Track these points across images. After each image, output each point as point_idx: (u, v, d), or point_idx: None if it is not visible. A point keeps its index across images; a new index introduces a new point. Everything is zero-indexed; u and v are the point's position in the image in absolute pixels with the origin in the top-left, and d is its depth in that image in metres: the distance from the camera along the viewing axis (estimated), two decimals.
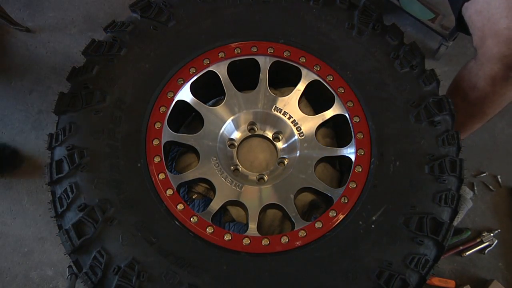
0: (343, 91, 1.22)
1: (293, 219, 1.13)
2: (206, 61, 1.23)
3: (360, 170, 1.14)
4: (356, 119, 1.19)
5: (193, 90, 1.23)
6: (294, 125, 1.25)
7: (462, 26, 1.27)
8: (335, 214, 1.09)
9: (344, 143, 1.23)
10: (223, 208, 1.20)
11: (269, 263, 1.03)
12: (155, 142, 1.15)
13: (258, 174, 1.26)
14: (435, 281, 1.54)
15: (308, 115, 1.27)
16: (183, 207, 1.09)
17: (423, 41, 1.96)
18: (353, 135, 1.18)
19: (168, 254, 1.01)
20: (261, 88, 1.27)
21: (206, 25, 1.25)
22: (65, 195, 1.05)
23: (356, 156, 1.16)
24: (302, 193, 1.21)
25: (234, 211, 1.23)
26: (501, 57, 1.12)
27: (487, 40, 1.14)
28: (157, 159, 1.13)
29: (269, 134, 1.30)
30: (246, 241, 1.06)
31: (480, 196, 1.71)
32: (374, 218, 1.07)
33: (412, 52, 1.23)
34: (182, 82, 1.21)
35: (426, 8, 1.81)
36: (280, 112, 1.27)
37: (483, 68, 1.19)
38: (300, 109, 1.27)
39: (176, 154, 1.40)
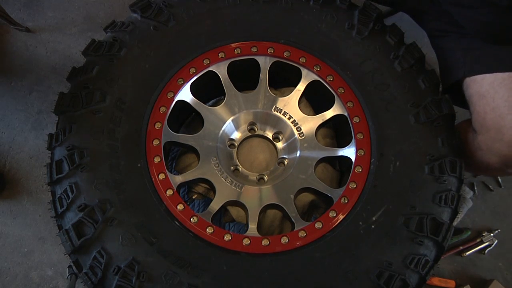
0: (343, 91, 1.22)
1: (293, 220, 1.13)
2: (206, 61, 1.23)
3: (360, 170, 1.14)
4: (356, 119, 1.19)
5: (193, 90, 1.23)
6: (294, 125, 1.25)
7: (451, 96, 1.20)
8: (335, 215, 1.09)
9: (344, 143, 1.23)
10: (223, 208, 1.20)
11: (269, 263, 1.03)
12: (155, 142, 1.15)
13: (258, 174, 1.26)
14: (435, 281, 1.54)
15: (308, 115, 1.27)
16: (183, 207, 1.09)
17: None
18: (353, 135, 1.18)
19: (168, 254, 1.01)
20: (261, 88, 1.27)
21: (206, 25, 1.25)
22: (65, 195, 1.05)
23: (356, 156, 1.16)
24: (302, 193, 1.21)
25: (234, 211, 1.23)
26: (500, 155, 1.07)
27: (489, 132, 1.07)
28: (157, 159, 1.13)
29: (269, 134, 1.30)
30: (246, 241, 1.06)
31: (480, 196, 1.71)
32: (374, 218, 1.07)
33: (412, 52, 1.23)
34: (182, 82, 1.21)
35: None
36: (280, 112, 1.26)
37: (480, 153, 1.13)
38: (300, 109, 1.27)
39: (176, 154, 1.40)
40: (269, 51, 1.25)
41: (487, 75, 1.07)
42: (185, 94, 1.22)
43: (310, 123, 1.25)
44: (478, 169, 1.22)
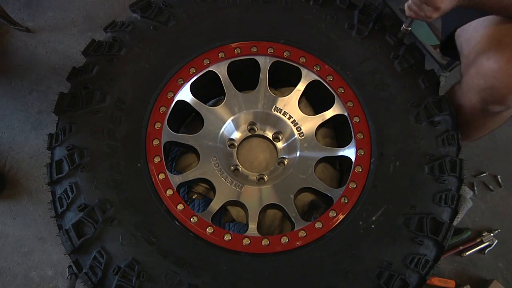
0: (343, 91, 1.22)
1: (293, 219, 1.13)
2: (206, 61, 1.23)
3: (360, 170, 1.14)
4: (356, 119, 1.19)
5: (193, 90, 1.23)
6: (294, 125, 1.25)
7: (447, 49, 1.27)
8: (335, 214, 1.09)
9: (344, 143, 1.23)
10: (223, 208, 1.20)
11: (269, 263, 1.03)
12: (155, 142, 1.15)
13: (258, 174, 1.26)
14: (435, 281, 1.54)
15: (308, 115, 1.27)
16: (183, 207, 1.09)
17: None
18: (353, 135, 1.18)
19: (168, 254, 1.01)
20: (261, 88, 1.27)
21: (206, 25, 1.25)
22: (65, 195, 1.05)
23: (356, 156, 1.16)
24: (302, 193, 1.21)
25: (234, 211, 1.23)
26: (479, 90, 1.10)
27: (470, 69, 1.12)
28: (157, 159, 1.13)
29: (269, 134, 1.30)
30: (246, 241, 1.06)
31: (480, 196, 1.71)
32: (374, 218, 1.07)
33: (412, 51, 1.23)
34: (182, 82, 1.21)
35: (433, 34, 1.79)
36: (280, 112, 1.26)
37: (464, 97, 1.17)
38: (300, 109, 1.27)
39: (176, 154, 1.40)
40: (269, 51, 1.25)
41: (472, 22, 1.14)
42: (185, 94, 1.22)
43: (310, 123, 1.25)
44: (466, 123, 1.23)
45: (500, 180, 1.74)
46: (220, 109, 1.25)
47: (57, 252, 1.58)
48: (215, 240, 1.06)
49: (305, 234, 1.08)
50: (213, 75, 1.25)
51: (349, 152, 1.18)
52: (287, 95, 1.28)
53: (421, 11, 1.05)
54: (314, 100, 1.36)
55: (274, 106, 1.27)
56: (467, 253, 1.62)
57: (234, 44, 1.25)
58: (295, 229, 1.10)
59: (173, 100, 1.20)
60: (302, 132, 1.24)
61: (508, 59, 1.01)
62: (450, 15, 1.20)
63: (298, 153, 1.22)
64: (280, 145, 1.30)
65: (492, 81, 1.05)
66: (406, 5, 1.09)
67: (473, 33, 1.13)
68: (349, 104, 1.21)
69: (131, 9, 1.26)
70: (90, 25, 1.93)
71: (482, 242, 1.63)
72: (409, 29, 1.17)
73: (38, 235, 1.61)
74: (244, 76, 1.28)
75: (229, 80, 1.26)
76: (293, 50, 1.25)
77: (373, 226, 1.06)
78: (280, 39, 1.26)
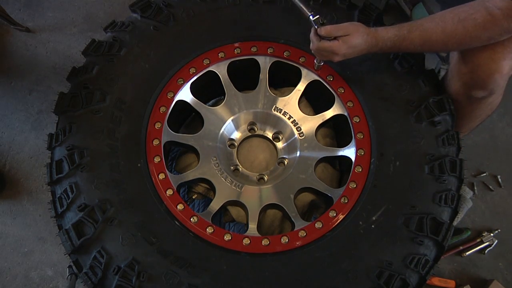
0: (343, 91, 1.22)
1: (293, 219, 1.13)
2: (206, 61, 1.23)
3: (360, 170, 1.14)
4: (356, 119, 1.19)
5: (193, 90, 1.23)
6: (294, 125, 1.25)
7: None
8: (335, 214, 1.09)
9: (344, 143, 1.23)
10: (223, 208, 1.20)
11: (269, 263, 1.03)
12: (155, 142, 1.15)
13: (258, 174, 1.26)
14: (435, 281, 1.54)
15: (308, 115, 1.27)
16: (183, 207, 1.09)
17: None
18: (353, 135, 1.18)
19: (168, 254, 1.01)
20: (261, 88, 1.27)
21: (206, 25, 1.25)
22: (65, 195, 1.05)
23: (356, 156, 1.16)
24: (302, 193, 1.21)
25: (234, 211, 1.23)
26: (461, 75, 1.13)
27: (454, 55, 1.15)
28: (157, 159, 1.13)
29: (269, 134, 1.30)
30: (246, 241, 1.06)
31: (480, 196, 1.71)
32: (374, 218, 1.07)
33: None
34: (182, 82, 1.21)
35: None
36: (280, 112, 1.26)
37: (449, 83, 1.20)
38: (300, 109, 1.27)
39: (176, 154, 1.40)
40: (269, 51, 1.25)
41: None
42: (185, 94, 1.22)
43: (310, 123, 1.25)
44: (456, 109, 1.24)
45: (500, 180, 1.73)
46: (220, 109, 1.25)
47: (57, 252, 1.58)
48: (215, 240, 1.06)
49: (305, 234, 1.08)
50: (213, 75, 1.25)
51: (349, 152, 1.18)
52: (287, 95, 1.28)
53: (322, 56, 1.13)
54: (314, 100, 1.35)
55: (274, 106, 1.27)
56: (467, 253, 1.61)
57: (234, 44, 1.25)
58: (295, 229, 1.10)
59: (173, 100, 1.20)
60: (302, 132, 1.24)
61: (486, 45, 1.04)
62: (448, 2, 1.21)
63: (298, 153, 1.22)
64: (280, 145, 1.30)
65: (472, 66, 1.08)
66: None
67: None
68: (349, 104, 1.20)
69: (131, 9, 1.26)
70: (90, 25, 1.93)
71: (482, 242, 1.63)
72: (321, 64, 1.20)
73: (38, 235, 1.61)
74: (244, 76, 1.28)
75: (229, 80, 1.26)
76: (293, 50, 1.25)
77: (373, 226, 1.06)
78: (280, 39, 1.26)
